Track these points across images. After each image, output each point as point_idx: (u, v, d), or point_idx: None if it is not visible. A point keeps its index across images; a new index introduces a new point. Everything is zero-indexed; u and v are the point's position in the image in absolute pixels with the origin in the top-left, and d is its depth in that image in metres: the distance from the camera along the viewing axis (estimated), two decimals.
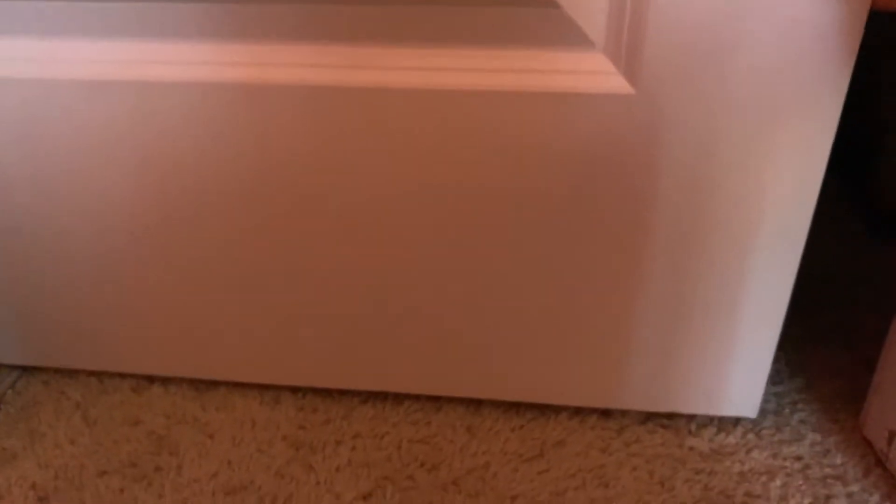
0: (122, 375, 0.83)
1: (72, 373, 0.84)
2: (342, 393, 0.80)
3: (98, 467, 0.72)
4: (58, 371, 0.84)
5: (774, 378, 0.82)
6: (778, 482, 0.69)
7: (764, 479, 0.69)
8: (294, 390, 0.80)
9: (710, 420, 0.76)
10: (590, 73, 0.55)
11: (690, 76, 0.53)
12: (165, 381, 0.82)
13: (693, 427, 0.75)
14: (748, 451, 0.72)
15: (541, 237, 0.64)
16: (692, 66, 0.53)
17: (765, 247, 0.62)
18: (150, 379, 0.83)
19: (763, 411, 0.77)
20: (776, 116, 0.55)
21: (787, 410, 0.77)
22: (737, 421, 0.76)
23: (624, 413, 0.77)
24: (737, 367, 0.71)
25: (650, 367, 0.72)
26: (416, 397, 0.79)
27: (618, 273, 0.66)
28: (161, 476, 0.71)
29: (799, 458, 0.71)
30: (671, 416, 0.76)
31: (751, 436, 0.74)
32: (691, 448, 0.73)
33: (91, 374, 0.84)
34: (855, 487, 0.69)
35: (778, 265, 0.64)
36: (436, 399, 0.79)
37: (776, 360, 0.85)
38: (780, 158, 0.57)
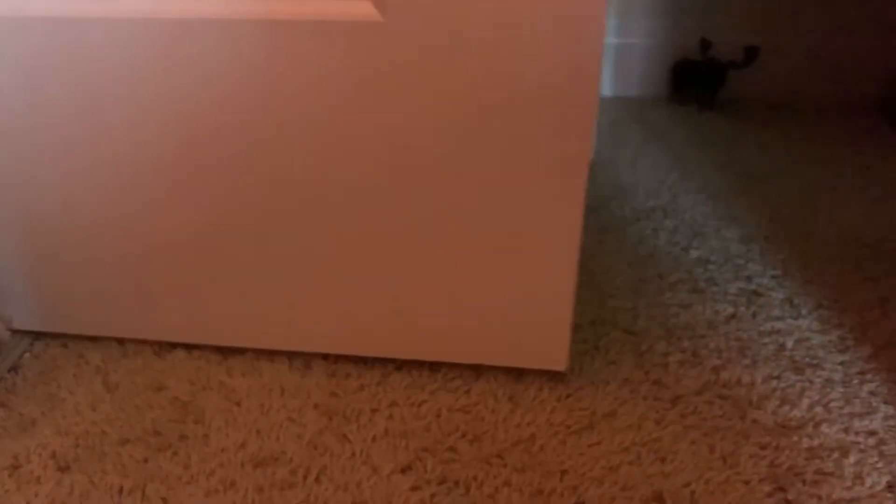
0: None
1: (91, 336, 0.80)
2: (375, 358, 0.75)
3: (120, 435, 0.68)
4: (77, 335, 0.80)
5: (839, 346, 0.76)
6: (851, 459, 0.63)
7: (836, 455, 0.64)
8: (325, 356, 0.76)
9: (772, 391, 0.70)
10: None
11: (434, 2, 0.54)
12: (189, 345, 0.78)
13: (754, 398, 0.69)
14: (816, 426, 0.67)
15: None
16: None
17: (546, 172, 0.61)
18: (173, 343, 0.78)
19: (829, 381, 0.71)
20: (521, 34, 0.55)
21: (855, 381, 0.71)
22: (802, 391, 0.70)
23: (663, 380, 0.71)
24: (533, 317, 0.68)
25: (434, 318, 0.70)
26: (453, 365, 0.74)
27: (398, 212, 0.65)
28: (187, 445, 0.67)
29: (873, 433, 0.66)
30: (728, 385, 0.71)
31: (818, 409, 0.68)
32: (754, 421, 0.67)
33: (111, 337, 0.80)
34: None
35: (561, 194, 0.62)
36: (475, 367, 0.74)
37: (839, 326, 0.79)
38: (537, 75, 0.56)
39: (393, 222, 0.65)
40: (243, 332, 0.75)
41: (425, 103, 0.59)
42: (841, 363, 0.74)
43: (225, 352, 0.77)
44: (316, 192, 0.65)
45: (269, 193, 0.65)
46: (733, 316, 0.81)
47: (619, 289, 0.86)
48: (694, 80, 1.36)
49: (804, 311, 0.81)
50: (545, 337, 0.69)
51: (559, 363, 0.71)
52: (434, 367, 0.74)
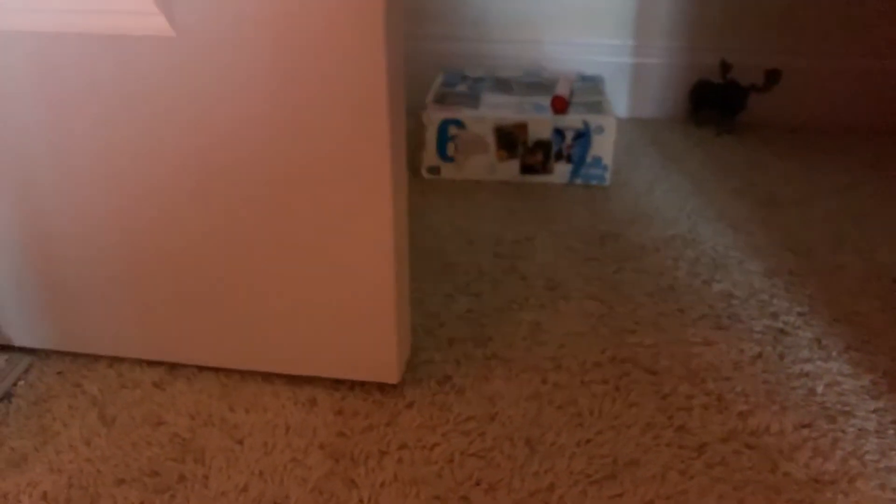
0: (143, 365, 0.76)
1: (89, 363, 0.77)
2: (384, 393, 0.72)
3: (115, 475, 0.65)
4: (75, 360, 0.77)
5: (872, 391, 0.72)
6: None
7: None
8: (333, 388, 0.72)
9: (803, 441, 0.67)
10: (134, 13, 0.57)
11: (223, 18, 0.55)
12: (190, 376, 0.74)
13: (785, 448, 0.66)
14: (851, 481, 0.63)
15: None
16: (224, 8, 0.55)
17: (348, 187, 0.62)
18: (174, 373, 0.75)
19: (863, 431, 0.68)
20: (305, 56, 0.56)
21: (890, 431, 0.68)
22: (835, 441, 0.66)
23: (687, 426, 0.68)
24: (359, 328, 0.69)
25: (276, 330, 0.71)
26: (466, 403, 0.71)
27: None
28: (185, 487, 0.63)
29: None
30: (756, 433, 0.67)
31: (853, 461, 0.65)
32: (786, 474, 0.63)
33: (110, 365, 0.76)
34: None
35: (367, 209, 0.62)
36: (487, 404, 0.70)
37: (871, 370, 0.75)
38: (329, 89, 0.57)
39: (207, 237, 0.66)
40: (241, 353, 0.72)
41: (219, 119, 0.60)
42: (875, 410, 0.70)
43: (227, 384, 0.74)
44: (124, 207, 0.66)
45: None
46: (759, 356, 0.77)
47: (638, 324, 0.83)
48: (713, 103, 1.33)
49: (834, 353, 0.77)
50: (373, 349, 0.70)
51: (391, 376, 0.71)
52: (445, 404, 0.71)
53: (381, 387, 0.73)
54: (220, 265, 0.68)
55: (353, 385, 0.73)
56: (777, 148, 1.28)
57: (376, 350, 0.70)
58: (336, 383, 0.73)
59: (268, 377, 0.74)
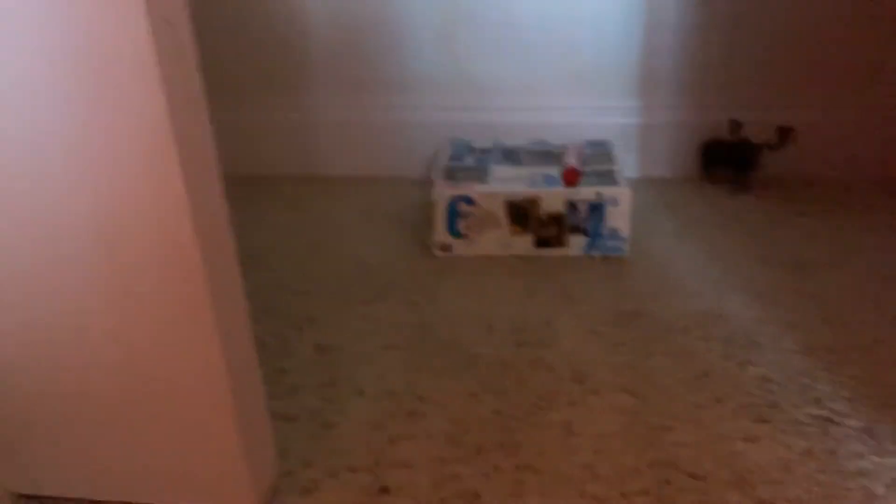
0: None
1: None
2: None
3: None
4: None
5: None
6: None
7: None
8: None
9: None
10: None
11: None
12: None
13: None
14: None
15: None
16: None
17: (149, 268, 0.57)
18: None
19: None
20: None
21: None
22: None
23: None
24: (202, 451, 0.64)
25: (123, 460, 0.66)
26: None
27: None
28: None
29: None
30: None
31: None
32: None
33: None
34: None
35: (186, 325, 0.58)
36: None
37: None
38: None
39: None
40: None
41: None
42: None
43: None
44: None
45: None
46: (808, 453, 0.72)
47: (676, 418, 0.78)
48: (726, 162, 1.30)
49: (888, 445, 0.73)
50: (220, 474, 0.65)
51: (245, 502, 0.66)
52: None
53: None
54: (54, 394, 0.64)
55: None
56: (796, 205, 1.25)
57: (224, 475, 0.65)
58: None
59: None
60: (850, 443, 0.73)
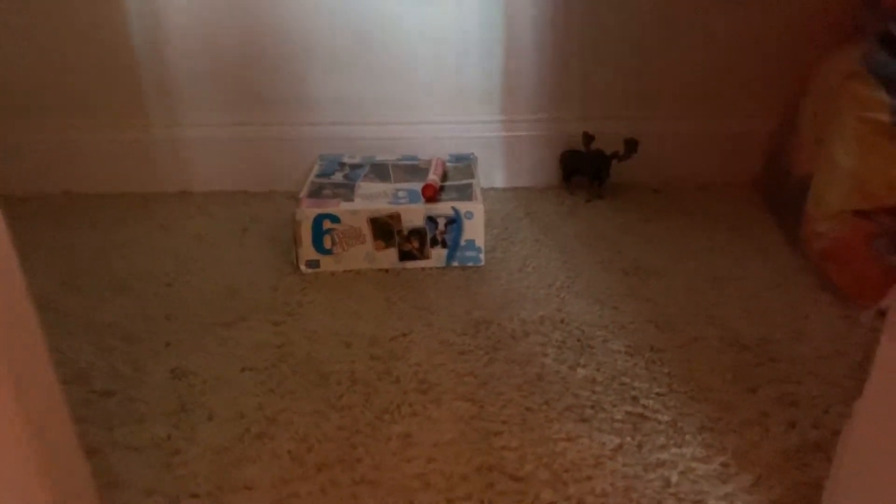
0: None
1: None
2: None
3: None
4: None
5: (722, 475, 0.76)
6: None
7: None
8: None
9: None
10: None
11: None
12: None
13: None
14: None
15: None
16: None
17: None
18: None
19: None
20: None
21: None
22: None
23: None
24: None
25: None
26: None
27: None
28: None
29: None
30: None
31: None
32: None
33: None
34: None
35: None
36: None
37: (721, 451, 0.79)
38: None
39: None
40: None
41: None
42: (724, 496, 0.73)
43: None
44: None
45: None
46: (619, 448, 0.80)
47: (506, 423, 0.84)
48: (582, 171, 1.38)
49: (688, 437, 0.81)
50: None
51: None
52: None
53: None
54: None
55: None
56: (642, 212, 1.35)
57: None
58: None
59: None
60: (656, 437, 0.81)
